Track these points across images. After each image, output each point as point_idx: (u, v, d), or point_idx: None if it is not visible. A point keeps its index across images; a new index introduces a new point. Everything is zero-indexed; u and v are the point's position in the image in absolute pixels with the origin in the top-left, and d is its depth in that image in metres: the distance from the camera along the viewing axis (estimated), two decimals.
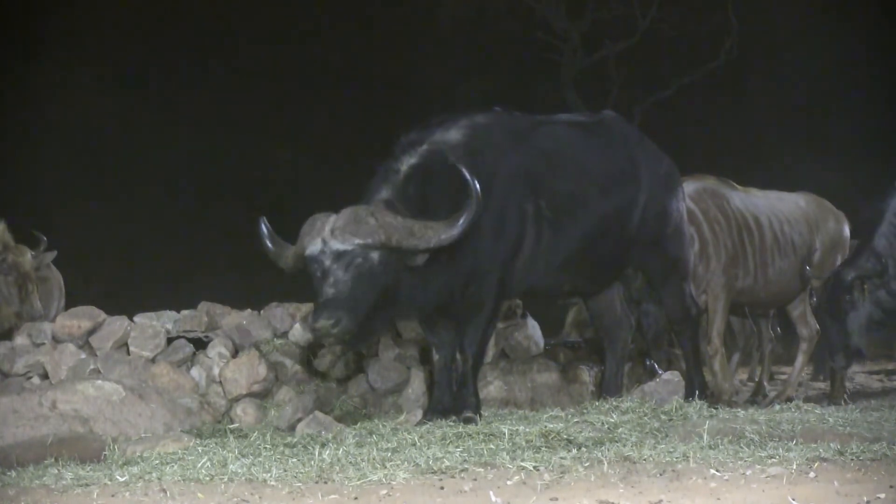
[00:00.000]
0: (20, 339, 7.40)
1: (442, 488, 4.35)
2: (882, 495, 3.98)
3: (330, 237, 5.76)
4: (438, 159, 6.17)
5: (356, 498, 4.24)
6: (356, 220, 5.76)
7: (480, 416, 6.19)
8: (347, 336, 5.77)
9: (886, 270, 7.22)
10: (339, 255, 5.73)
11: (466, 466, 4.64)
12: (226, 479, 4.58)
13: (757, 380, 9.00)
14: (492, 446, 5.06)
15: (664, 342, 7.95)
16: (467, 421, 5.98)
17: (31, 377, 7.14)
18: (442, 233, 5.79)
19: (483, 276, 6.26)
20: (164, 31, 17.33)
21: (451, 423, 5.87)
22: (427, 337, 6.71)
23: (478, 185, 5.81)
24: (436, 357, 6.55)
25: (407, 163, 6.17)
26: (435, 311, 6.38)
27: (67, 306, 7.87)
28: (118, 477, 4.69)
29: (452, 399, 6.34)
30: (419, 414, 6.39)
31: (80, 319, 7.28)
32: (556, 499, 4.11)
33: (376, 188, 6.13)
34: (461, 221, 5.78)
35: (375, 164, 6.37)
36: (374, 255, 5.75)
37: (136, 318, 7.28)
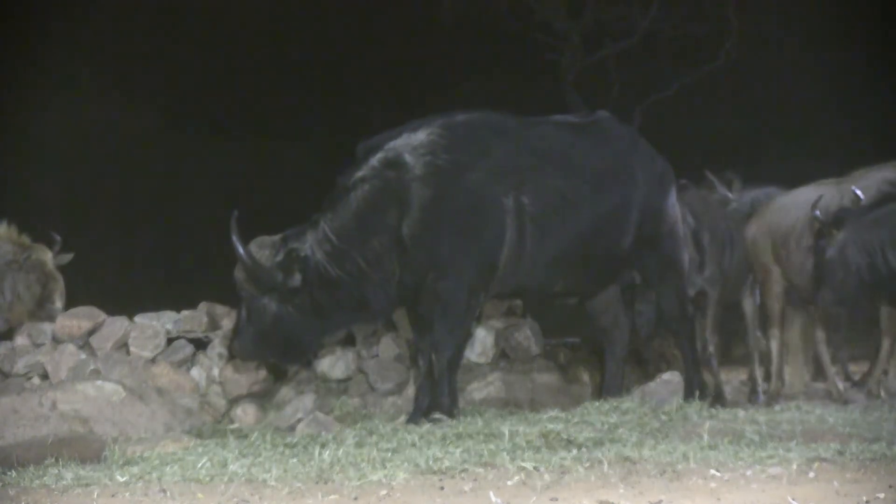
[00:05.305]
0: (20, 340, 7.40)
1: (442, 488, 4.35)
2: (881, 495, 3.98)
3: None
4: (389, 168, 6.30)
5: (356, 498, 4.24)
6: (242, 257, 6.22)
7: (454, 416, 6.18)
8: (248, 358, 6.64)
9: None
10: (239, 288, 6.34)
11: (466, 466, 4.64)
12: (226, 479, 4.58)
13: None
14: (492, 446, 5.05)
15: (656, 341, 7.99)
16: (434, 422, 5.99)
17: (31, 377, 7.15)
18: (268, 280, 6.23)
19: (447, 271, 6.28)
20: (164, 31, 17.32)
21: (451, 424, 5.87)
22: (414, 340, 6.76)
23: (241, 249, 6.15)
24: (420, 360, 6.57)
25: (352, 176, 6.37)
26: (415, 312, 6.47)
27: (67, 306, 7.87)
28: (118, 477, 4.70)
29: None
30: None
31: (80, 319, 7.29)
32: (556, 499, 4.11)
33: (326, 205, 6.39)
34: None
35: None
36: (252, 290, 6.27)
37: (136, 318, 7.29)
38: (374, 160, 6.34)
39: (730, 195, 8.51)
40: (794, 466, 4.45)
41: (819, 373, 8.55)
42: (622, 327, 7.34)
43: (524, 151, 6.59)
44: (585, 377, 7.59)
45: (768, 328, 8.08)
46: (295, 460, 4.94)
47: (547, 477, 4.44)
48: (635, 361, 8.18)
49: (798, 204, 7.76)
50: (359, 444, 5.31)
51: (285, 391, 7.09)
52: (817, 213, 7.20)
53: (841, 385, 7.85)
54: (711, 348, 7.83)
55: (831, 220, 7.09)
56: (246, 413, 6.87)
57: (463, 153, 6.38)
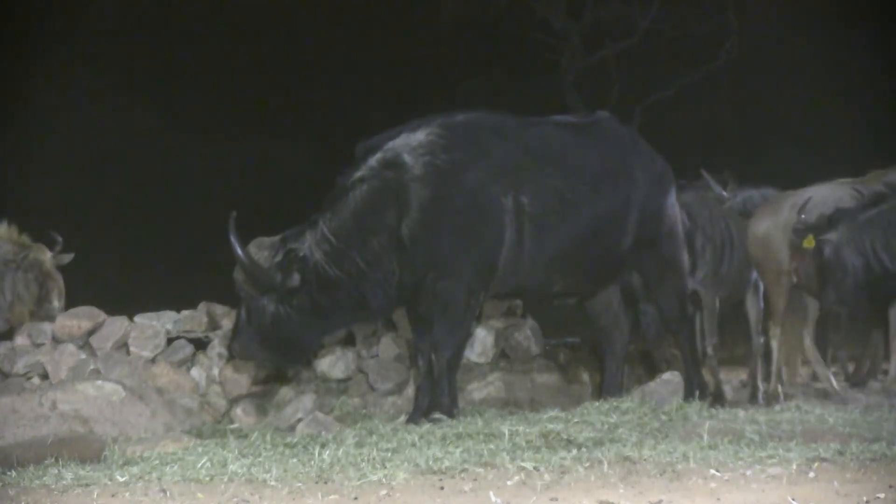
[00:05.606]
0: (20, 340, 7.40)
1: (442, 488, 4.35)
2: (882, 495, 3.99)
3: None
4: (388, 168, 6.32)
5: (356, 498, 4.24)
6: (241, 258, 6.24)
7: (454, 416, 6.18)
8: (247, 358, 6.66)
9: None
10: (238, 289, 6.36)
11: (466, 466, 4.64)
12: (226, 479, 4.58)
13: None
14: (492, 446, 5.05)
15: (665, 342, 7.95)
16: (434, 422, 6.00)
17: (31, 377, 7.15)
18: (266, 281, 6.26)
19: (446, 271, 6.28)
20: (163, 29, 17.32)
21: (451, 424, 5.87)
22: (414, 340, 6.76)
23: (239, 250, 6.18)
24: (420, 360, 6.58)
25: (351, 176, 6.39)
26: (415, 312, 6.48)
27: (67, 306, 7.88)
28: (118, 477, 4.70)
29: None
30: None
31: (80, 319, 7.29)
32: (556, 499, 4.11)
33: (325, 205, 6.41)
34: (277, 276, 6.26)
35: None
36: (251, 291, 6.29)
37: (136, 318, 7.29)
38: (373, 160, 6.35)
39: (724, 194, 8.52)
40: (794, 466, 4.45)
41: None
42: (622, 327, 7.34)
43: (523, 151, 6.59)
44: (585, 377, 7.59)
45: (770, 326, 8.08)
46: (295, 460, 4.94)
47: (547, 477, 4.44)
48: (640, 361, 8.18)
49: (819, 202, 7.77)
50: (359, 444, 5.31)
51: (285, 391, 7.09)
52: (803, 216, 7.24)
53: (835, 383, 7.88)
54: (710, 349, 7.82)
55: (825, 222, 7.11)
56: (246, 413, 6.88)
57: (462, 153, 6.38)
